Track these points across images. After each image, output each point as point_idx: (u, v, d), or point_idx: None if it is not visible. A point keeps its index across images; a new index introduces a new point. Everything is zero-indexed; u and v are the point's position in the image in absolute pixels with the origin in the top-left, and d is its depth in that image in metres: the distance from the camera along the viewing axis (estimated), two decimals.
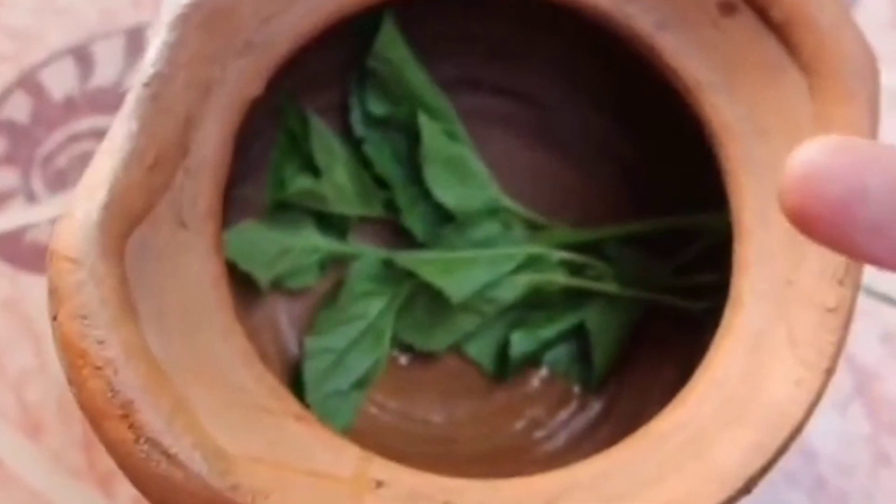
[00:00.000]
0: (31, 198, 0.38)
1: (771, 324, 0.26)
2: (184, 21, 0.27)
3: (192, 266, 0.26)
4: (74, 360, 0.22)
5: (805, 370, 0.25)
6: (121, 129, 0.26)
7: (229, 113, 0.29)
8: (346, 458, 0.25)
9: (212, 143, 0.28)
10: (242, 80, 0.29)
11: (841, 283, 0.25)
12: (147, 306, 0.24)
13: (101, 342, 0.22)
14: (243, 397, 0.25)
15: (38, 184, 0.38)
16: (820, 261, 0.26)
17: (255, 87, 0.29)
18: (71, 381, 0.22)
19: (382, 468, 0.25)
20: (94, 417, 0.22)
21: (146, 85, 0.26)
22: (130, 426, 0.22)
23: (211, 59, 0.28)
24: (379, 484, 0.24)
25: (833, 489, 0.39)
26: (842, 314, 0.25)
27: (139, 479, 0.22)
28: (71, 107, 0.39)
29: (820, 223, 0.13)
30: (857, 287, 0.26)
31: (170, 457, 0.22)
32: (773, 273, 0.27)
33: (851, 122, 0.27)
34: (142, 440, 0.22)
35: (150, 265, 0.25)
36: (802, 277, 0.26)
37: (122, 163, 0.25)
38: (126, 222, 0.25)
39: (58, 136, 0.39)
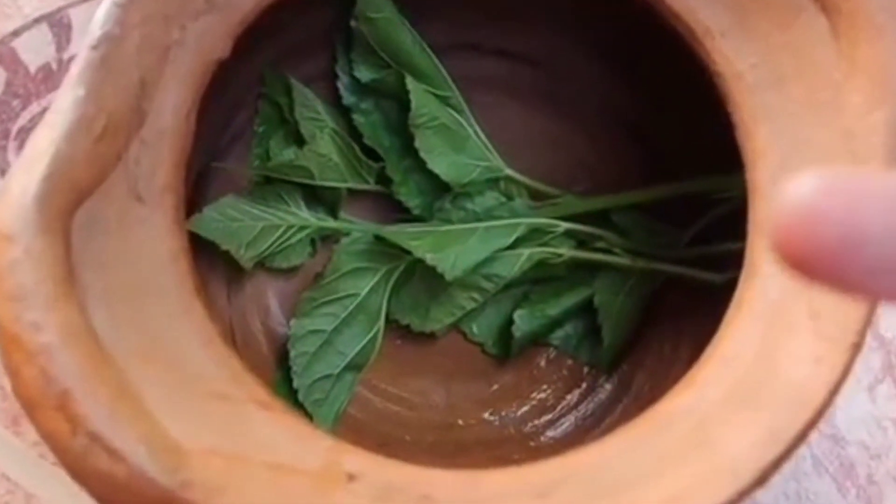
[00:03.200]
0: (6, 174, 0.37)
1: (789, 295, 0.23)
2: None
3: (148, 242, 0.24)
4: (7, 345, 0.20)
5: (827, 346, 0.22)
6: (66, 97, 0.24)
7: (191, 77, 0.26)
8: (314, 449, 0.22)
9: (171, 110, 0.26)
10: (205, 41, 0.27)
11: None
12: (95, 285, 0.22)
13: (35, 326, 0.20)
14: (200, 383, 0.22)
15: (14, 159, 0.37)
16: None
17: (219, 49, 0.27)
18: (5, 368, 0.20)
19: (355, 459, 0.22)
20: (28, 408, 0.20)
21: (94, 48, 0.24)
22: (67, 417, 0.20)
23: (168, 18, 0.26)
24: (351, 477, 0.22)
25: (861, 474, 0.36)
26: None
27: (79, 475, 0.20)
28: (48, 77, 0.37)
29: (818, 267, 0.12)
30: None
31: (111, 451, 0.20)
32: None
33: (879, 64, 0.24)
34: (80, 433, 0.20)
35: (99, 241, 0.23)
36: None
37: (67, 132, 0.23)
38: (71, 196, 0.23)
39: (34, 108, 0.37)
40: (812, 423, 0.21)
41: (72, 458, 0.20)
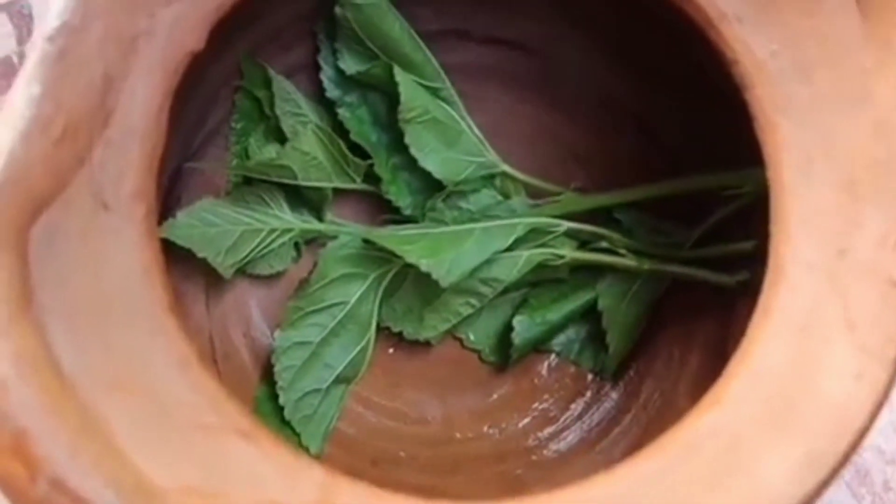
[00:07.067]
0: None
1: (822, 303, 0.21)
2: None
3: (116, 255, 0.22)
4: None
5: (868, 360, 0.20)
6: (20, 95, 0.21)
7: (162, 72, 0.24)
8: (305, 483, 0.20)
9: (140, 108, 0.23)
10: (177, 31, 0.24)
11: None
12: (56, 306, 0.20)
13: None
14: (176, 412, 0.20)
15: None
16: (881, 223, 0.21)
17: (193, 40, 0.25)
18: None
19: (351, 495, 0.20)
20: None
21: (51, 40, 0.22)
22: (24, 461, 0.17)
23: (134, 6, 0.23)
24: None
25: (877, 481, 0.34)
26: None
27: None
28: (8, 72, 0.35)
29: None
30: None
31: (75, 498, 0.17)
32: (821, 240, 0.22)
33: None
34: (39, 478, 0.17)
35: (62, 255, 0.21)
36: (859, 244, 0.22)
37: (21, 135, 0.21)
38: (28, 205, 0.20)
39: None
40: (854, 446, 0.19)
41: None
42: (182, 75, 0.24)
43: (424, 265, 0.29)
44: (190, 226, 0.30)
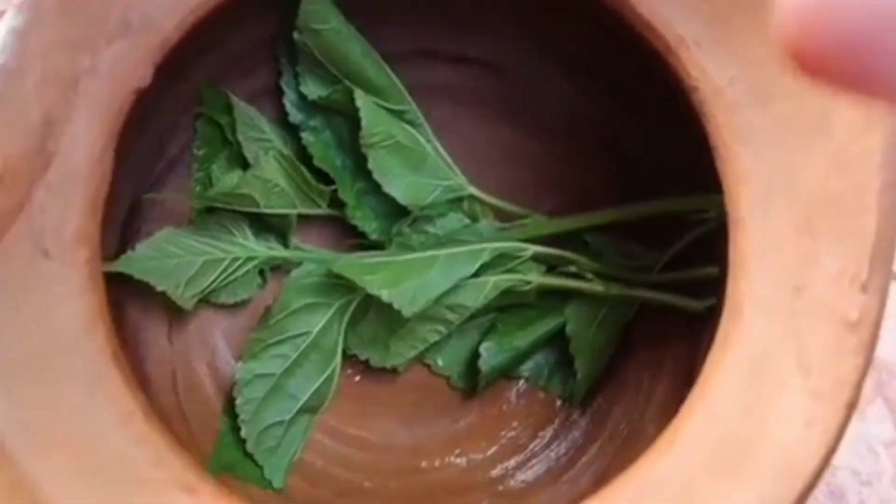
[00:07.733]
0: None
1: (775, 344, 0.21)
2: (36, 0, 0.22)
3: (58, 304, 0.21)
4: None
5: (819, 406, 0.19)
6: None
7: (107, 111, 0.23)
8: None
9: (83, 150, 0.23)
10: (121, 69, 0.24)
11: (864, 288, 0.20)
12: None
13: None
14: (116, 468, 0.20)
15: None
16: (837, 259, 0.21)
17: (138, 77, 0.24)
18: None
19: None
20: None
21: None
22: None
23: (75, 45, 0.23)
24: None
25: (852, 502, 0.34)
26: (866, 329, 0.20)
27: None
28: None
29: (833, 63, 0.10)
30: (884, 292, 0.20)
31: None
32: (777, 275, 0.22)
33: None
34: None
35: None
36: (815, 281, 0.21)
37: None
38: None
39: None
40: (806, 493, 0.19)
41: None
42: (127, 115, 0.24)
43: (386, 295, 0.29)
44: (148, 258, 0.29)
